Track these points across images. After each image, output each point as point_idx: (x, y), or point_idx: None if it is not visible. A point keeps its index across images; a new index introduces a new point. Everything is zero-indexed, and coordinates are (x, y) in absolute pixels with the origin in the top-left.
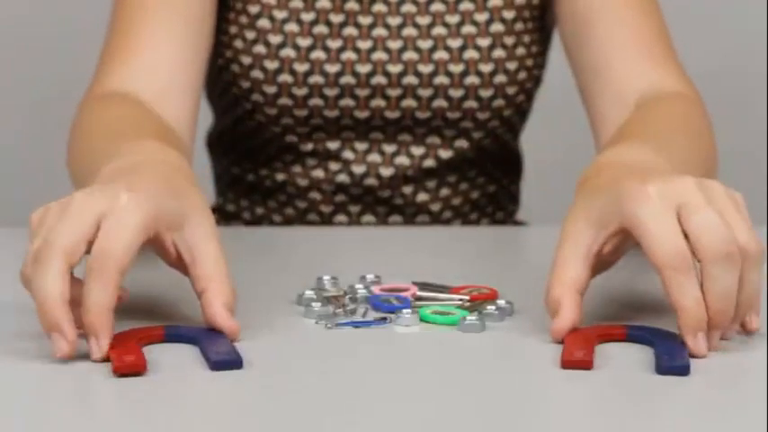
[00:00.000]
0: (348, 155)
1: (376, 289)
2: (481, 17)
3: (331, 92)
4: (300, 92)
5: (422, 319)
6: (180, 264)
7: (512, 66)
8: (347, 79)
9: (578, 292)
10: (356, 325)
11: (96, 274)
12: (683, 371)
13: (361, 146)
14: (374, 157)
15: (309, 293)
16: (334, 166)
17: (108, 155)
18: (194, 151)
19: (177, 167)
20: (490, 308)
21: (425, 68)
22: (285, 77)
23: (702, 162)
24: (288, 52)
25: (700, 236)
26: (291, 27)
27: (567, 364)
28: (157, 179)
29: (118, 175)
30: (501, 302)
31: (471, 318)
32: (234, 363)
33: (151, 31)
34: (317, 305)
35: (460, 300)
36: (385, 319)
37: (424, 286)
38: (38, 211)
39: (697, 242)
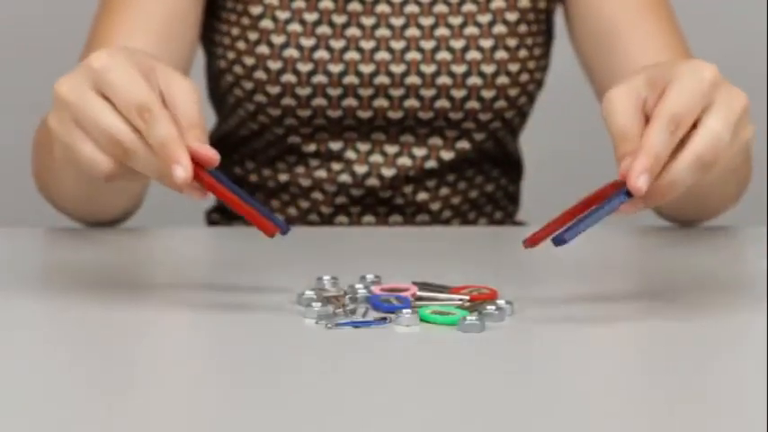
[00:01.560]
0: (350, 155)
1: (376, 289)
2: (484, 18)
3: (334, 92)
4: (304, 92)
5: (422, 319)
6: None
7: (514, 67)
8: (350, 79)
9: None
10: (356, 325)
11: (150, 116)
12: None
13: (363, 146)
14: (376, 158)
15: (309, 293)
16: (336, 166)
17: None
18: None
19: None
20: (490, 308)
21: (428, 69)
22: (288, 77)
23: None
24: (291, 52)
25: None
26: (294, 27)
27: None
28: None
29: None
30: (501, 302)
31: (471, 318)
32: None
33: (128, 28)
34: (316, 305)
35: (460, 300)
36: (385, 319)
37: (423, 286)
38: (67, 85)
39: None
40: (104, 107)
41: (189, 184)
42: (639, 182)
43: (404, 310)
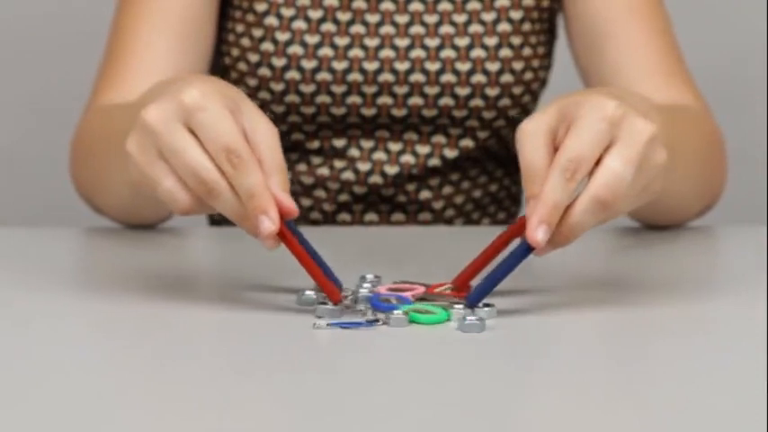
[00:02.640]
0: (354, 152)
1: (383, 288)
2: (488, 16)
3: (338, 89)
4: (308, 89)
5: (411, 321)
6: None
7: (518, 65)
8: (354, 76)
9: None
10: (344, 326)
11: (240, 162)
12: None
13: (366, 144)
14: (379, 155)
15: (309, 293)
16: (339, 163)
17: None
18: None
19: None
20: (494, 308)
21: (432, 66)
22: (293, 74)
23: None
24: (295, 49)
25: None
26: (299, 24)
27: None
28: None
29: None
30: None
31: (471, 318)
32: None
33: (148, 27)
34: (317, 305)
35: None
36: (377, 320)
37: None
38: (155, 114)
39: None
40: (193, 143)
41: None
42: (538, 235)
43: (394, 311)
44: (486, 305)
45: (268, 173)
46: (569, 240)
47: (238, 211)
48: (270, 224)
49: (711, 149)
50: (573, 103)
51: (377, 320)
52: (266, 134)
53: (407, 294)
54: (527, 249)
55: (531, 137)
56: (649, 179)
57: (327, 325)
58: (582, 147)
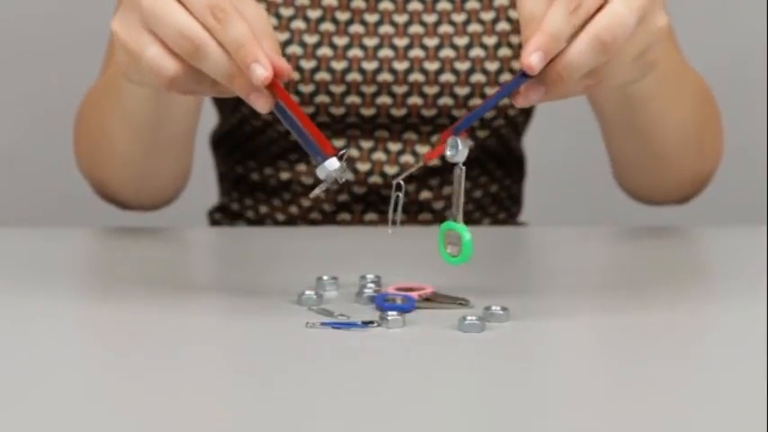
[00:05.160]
0: (353, 153)
1: (391, 288)
2: (487, 16)
3: (337, 89)
4: (307, 89)
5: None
6: None
7: (517, 65)
8: (353, 76)
9: None
10: (336, 326)
11: (225, 15)
12: None
13: (366, 144)
14: (379, 155)
15: (309, 293)
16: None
17: None
18: (198, 152)
19: None
20: (495, 308)
21: (431, 66)
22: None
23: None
24: (294, 49)
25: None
26: (298, 24)
27: None
28: None
29: None
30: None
31: (471, 318)
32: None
33: None
34: (317, 305)
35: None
36: (372, 321)
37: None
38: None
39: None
40: (177, 6)
41: (260, 89)
42: (532, 59)
43: (389, 313)
44: (503, 308)
45: (258, 38)
46: (561, 82)
47: (228, 69)
48: (263, 71)
49: (707, 111)
50: None
51: (371, 322)
52: (252, 6)
53: (414, 294)
54: (522, 77)
55: None
56: (649, 41)
57: (321, 324)
58: None
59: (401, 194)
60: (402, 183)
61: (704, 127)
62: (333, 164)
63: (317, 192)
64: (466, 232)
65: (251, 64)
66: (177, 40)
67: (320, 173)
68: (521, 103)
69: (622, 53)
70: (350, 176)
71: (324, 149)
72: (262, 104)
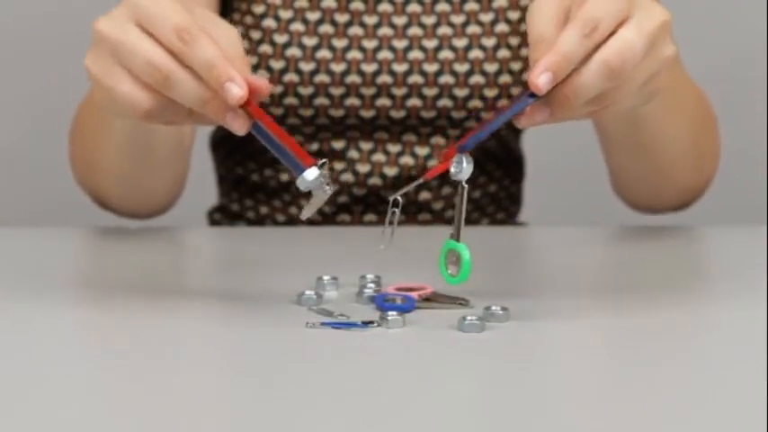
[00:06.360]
0: (353, 154)
1: (391, 288)
2: (486, 17)
3: (337, 91)
4: (306, 91)
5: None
6: None
7: (516, 66)
8: (353, 78)
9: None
10: (335, 326)
11: (191, 37)
12: None
13: (366, 145)
14: (378, 157)
15: (309, 293)
16: (338, 165)
17: None
18: (197, 152)
19: None
20: (495, 308)
21: (430, 67)
22: (291, 77)
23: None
24: (293, 51)
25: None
26: (297, 26)
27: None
28: None
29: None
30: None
31: (471, 318)
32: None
33: None
34: (317, 305)
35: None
36: (372, 321)
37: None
38: (106, 22)
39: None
40: (144, 37)
41: (236, 110)
42: (540, 79)
43: (389, 313)
44: (503, 308)
45: (230, 59)
46: (567, 105)
47: (200, 95)
48: (238, 90)
49: (706, 125)
50: None
51: (371, 322)
52: (223, 30)
53: (414, 294)
54: (530, 97)
55: (543, 8)
56: (657, 67)
57: (321, 324)
58: (601, 11)
59: (397, 210)
60: (399, 198)
61: (703, 139)
62: (312, 173)
63: (306, 213)
64: (465, 251)
65: (225, 83)
66: (147, 71)
67: (300, 184)
68: (524, 124)
69: (630, 80)
70: (335, 188)
71: (303, 162)
72: (238, 126)
